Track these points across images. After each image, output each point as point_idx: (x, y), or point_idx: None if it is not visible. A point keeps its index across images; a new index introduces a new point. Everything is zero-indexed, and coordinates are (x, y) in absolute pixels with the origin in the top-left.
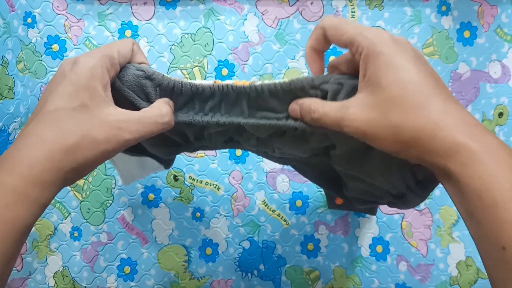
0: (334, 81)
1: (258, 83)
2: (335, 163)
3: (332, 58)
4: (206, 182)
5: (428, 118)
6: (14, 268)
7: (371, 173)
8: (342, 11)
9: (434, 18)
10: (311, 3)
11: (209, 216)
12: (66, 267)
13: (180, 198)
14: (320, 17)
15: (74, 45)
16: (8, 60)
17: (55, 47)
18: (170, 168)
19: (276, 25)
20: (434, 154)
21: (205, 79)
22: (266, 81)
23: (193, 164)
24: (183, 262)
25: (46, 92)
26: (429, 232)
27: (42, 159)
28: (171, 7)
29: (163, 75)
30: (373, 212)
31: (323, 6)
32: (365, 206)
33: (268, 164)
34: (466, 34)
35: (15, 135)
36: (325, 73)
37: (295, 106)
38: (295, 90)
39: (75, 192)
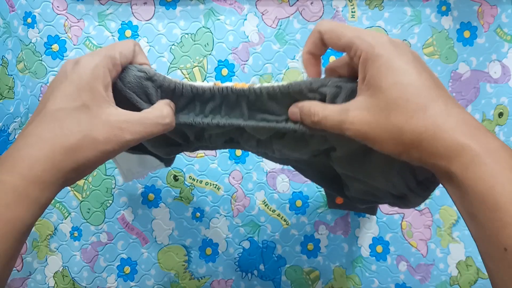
0: (332, 84)
1: (257, 85)
2: (336, 164)
3: (332, 58)
4: (206, 182)
5: (429, 120)
6: (14, 268)
7: (372, 174)
8: (342, 11)
9: (434, 18)
10: (311, 3)
11: (209, 216)
12: (66, 267)
13: (180, 198)
14: (320, 17)
15: (74, 45)
16: (8, 60)
17: (55, 47)
18: (170, 168)
19: (276, 25)
20: (436, 156)
21: (205, 79)
22: (265, 84)
23: (193, 164)
24: (183, 262)
25: (48, 92)
26: (429, 232)
27: (43, 159)
28: (171, 7)
29: (164, 76)
30: (373, 211)
31: (323, 6)
32: (366, 205)
33: (268, 164)
34: (466, 34)
35: (15, 135)
36: (322, 76)
37: (294, 109)
38: (293, 93)
39: (75, 192)
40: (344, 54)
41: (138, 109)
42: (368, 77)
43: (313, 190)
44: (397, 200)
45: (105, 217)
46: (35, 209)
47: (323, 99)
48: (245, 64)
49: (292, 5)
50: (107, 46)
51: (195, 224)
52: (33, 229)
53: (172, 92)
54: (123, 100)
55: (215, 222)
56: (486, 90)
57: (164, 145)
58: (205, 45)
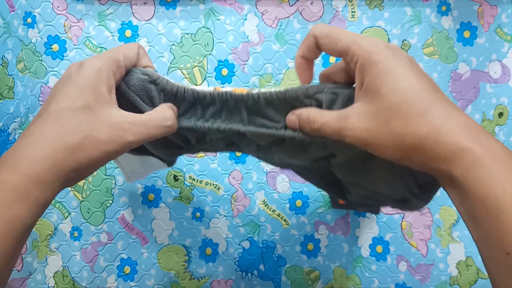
0: (329, 90)
1: (255, 91)
2: (336, 170)
3: (332, 59)
4: (206, 182)
5: (430, 124)
6: (14, 268)
7: (373, 180)
8: (342, 11)
9: (434, 18)
10: (311, 3)
11: (209, 216)
12: (66, 267)
13: (180, 198)
14: (320, 17)
15: (74, 45)
16: (8, 60)
17: (55, 47)
18: (170, 168)
19: (276, 25)
20: (437, 160)
21: (205, 79)
22: (263, 90)
23: (193, 164)
24: (183, 262)
25: (51, 94)
26: (429, 232)
27: (44, 158)
28: (171, 7)
29: (167, 80)
30: (376, 211)
31: (323, 6)
32: (367, 209)
33: (268, 164)
34: (466, 34)
35: (15, 135)
36: (315, 80)
37: (292, 117)
38: (290, 99)
39: (75, 192)
40: (338, 62)
41: (140, 112)
42: (366, 83)
43: (313, 190)
44: (399, 204)
45: (105, 217)
46: (36, 209)
47: (319, 105)
48: (245, 64)
49: (292, 5)
50: (112, 49)
51: (195, 224)
52: (33, 229)
53: (174, 96)
54: (126, 102)
55: (215, 222)
56: (486, 90)
57: (166, 148)
58: (205, 45)
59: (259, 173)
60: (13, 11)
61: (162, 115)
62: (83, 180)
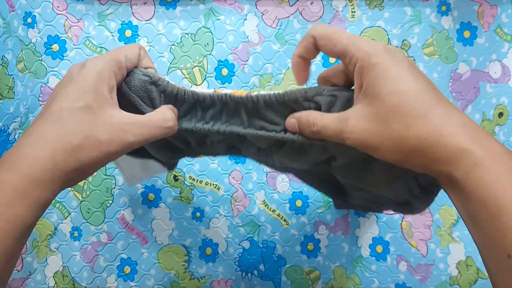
0: (327, 93)
1: (254, 93)
2: (337, 173)
3: (332, 59)
4: (206, 182)
5: (431, 126)
6: (14, 268)
7: (374, 182)
8: (342, 11)
9: (434, 18)
10: (311, 3)
11: (209, 216)
12: (66, 267)
13: (180, 198)
14: (320, 17)
15: (74, 45)
16: (8, 60)
17: (55, 47)
18: None
19: (276, 25)
20: (439, 161)
21: (205, 79)
22: (262, 92)
23: (193, 164)
24: (183, 262)
25: (53, 95)
26: (429, 232)
27: (44, 158)
28: (171, 7)
29: (168, 81)
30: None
31: (323, 6)
32: (369, 212)
33: None
34: (466, 34)
35: (15, 135)
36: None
37: (292, 120)
38: (288, 102)
39: (75, 192)
40: (336, 64)
41: (141, 113)
42: (365, 86)
43: (313, 190)
44: (401, 207)
45: (105, 217)
46: (36, 209)
47: (318, 108)
48: (245, 64)
49: (292, 5)
50: (113, 50)
51: (195, 224)
52: (33, 229)
53: (174, 97)
54: (127, 103)
55: (215, 222)
56: (486, 90)
57: (166, 150)
58: (205, 45)
59: (259, 173)
60: (13, 11)
61: (163, 116)
62: (83, 180)
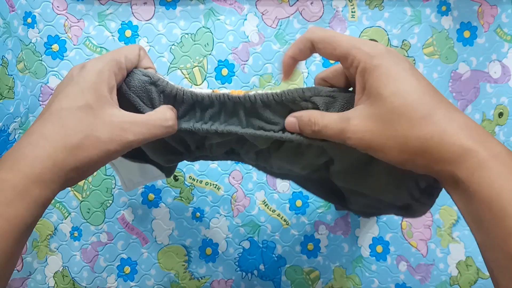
0: (325, 93)
1: (252, 93)
2: (336, 178)
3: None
4: (206, 182)
5: (434, 127)
6: (14, 268)
7: (373, 186)
8: (342, 11)
9: (434, 18)
10: (311, 3)
11: (209, 216)
12: (66, 267)
13: (180, 198)
14: (320, 17)
15: (74, 45)
16: (8, 60)
17: (55, 47)
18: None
19: (276, 25)
20: (442, 162)
21: (205, 79)
22: (260, 91)
23: (193, 164)
24: (183, 262)
25: (54, 95)
26: (429, 232)
27: (44, 157)
28: (171, 7)
29: (168, 82)
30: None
31: (323, 6)
32: (370, 216)
33: None
34: (466, 34)
35: (15, 135)
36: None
37: (292, 120)
38: (286, 102)
39: (75, 192)
40: (335, 65)
41: (141, 113)
42: (368, 87)
43: None
44: (401, 211)
45: (105, 217)
46: (36, 208)
47: (316, 108)
48: (245, 64)
49: (292, 5)
50: (113, 50)
51: (195, 224)
52: (33, 229)
53: (173, 98)
54: (127, 103)
55: (215, 222)
56: (486, 90)
57: (165, 153)
58: (205, 45)
59: (259, 173)
60: (13, 11)
61: (163, 115)
62: (83, 180)
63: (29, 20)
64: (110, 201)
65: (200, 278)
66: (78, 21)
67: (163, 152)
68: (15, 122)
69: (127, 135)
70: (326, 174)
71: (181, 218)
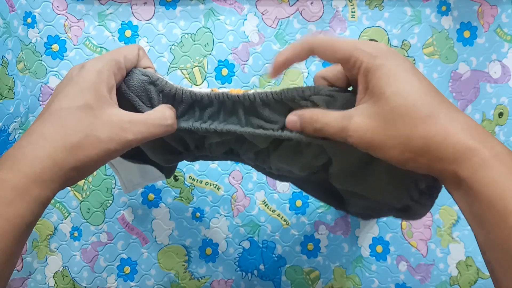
0: (325, 93)
1: (251, 91)
2: (334, 180)
3: None
4: (206, 182)
5: (437, 126)
6: (14, 268)
7: (372, 187)
8: (342, 11)
9: (434, 18)
10: (311, 3)
11: (209, 216)
12: (66, 267)
13: (180, 198)
14: (320, 17)
15: (74, 45)
16: (8, 60)
17: (55, 47)
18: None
19: (276, 25)
20: (444, 161)
21: (205, 79)
22: (259, 90)
23: (193, 164)
24: (183, 262)
25: (53, 95)
26: (429, 232)
27: (44, 156)
28: (171, 7)
29: (167, 81)
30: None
31: (323, 6)
32: (370, 219)
33: None
34: (466, 34)
35: (15, 135)
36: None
37: (293, 118)
38: (285, 100)
39: (75, 192)
40: (334, 65)
41: (140, 112)
42: (371, 87)
43: None
44: (401, 213)
45: (105, 217)
46: (36, 207)
47: (315, 107)
48: (245, 64)
49: (292, 5)
50: (112, 50)
51: (195, 224)
52: (33, 229)
53: (173, 97)
54: (126, 103)
55: (215, 222)
56: (486, 90)
57: (164, 152)
58: (205, 45)
59: (259, 173)
60: (13, 11)
61: (162, 115)
62: (83, 180)
63: (29, 20)
64: (110, 201)
65: (200, 278)
66: (78, 21)
67: (162, 152)
68: (15, 122)
69: (126, 134)
70: (325, 176)
71: (181, 218)
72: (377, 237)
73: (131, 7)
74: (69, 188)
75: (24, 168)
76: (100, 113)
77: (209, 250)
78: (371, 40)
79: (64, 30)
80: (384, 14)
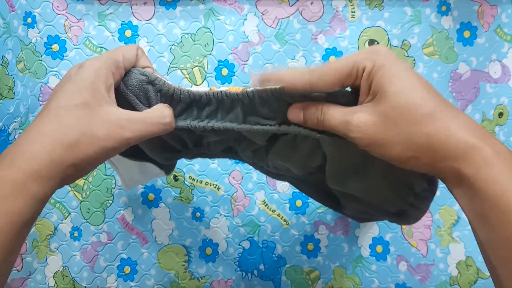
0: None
1: (250, 89)
2: (329, 181)
3: (332, 58)
4: (206, 182)
5: (439, 124)
6: (14, 268)
7: (367, 191)
8: (342, 11)
9: (434, 18)
10: (311, 3)
11: (209, 216)
12: (66, 267)
13: (180, 198)
14: (320, 17)
15: (74, 45)
16: (8, 60)
17: (55, 47)
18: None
19: (276, 25)
20: (447, 158)
21: (205, 79)
22: (258, 87)
23: (193, 164)
24: (183, 262)
25: (52, 94)
26: (429, 232)
27: (42, 153)
28: (171, 7)
29: (165, 81)
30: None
31: (323, 6)
32: (364, 222)
33: None
34: (466, 34)
35: (15, 135)
36: None
37: (296, 110)
38: (285, 98)
39: (75, 192)
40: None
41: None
42: (373, 86)
43: None
44: (396, 218)
45: (105, 217)
46: (34, 204)
47: None
48: (245, 64)
49: (292, 5)
50: (111, 50)
51: (195, 224)
52: (33, 229)
53: (171, 97)
54: (124, 103)
55: (215, 222)
56: (486, 90)
57: (163, 151)
58: (205, 45)
59: (259, 173)
60: (13, 11)
61: (160, 113)
62: (83, 180)
63: (29, 20)
64: (110, 201)
65: (200, 278)
66: (78, 21)
67: (161, 150)
68: (15, 122)
69: (124, 132)
70: (321, 177)
71: (181, 218)
72: (377, 237)
73: (131, 7)
74: (69, 188)
75: (22, 164)
76: (98, 111)
77: (209, 250)
78: (371, 40)
79: (64, 30)
80: (384, 14)
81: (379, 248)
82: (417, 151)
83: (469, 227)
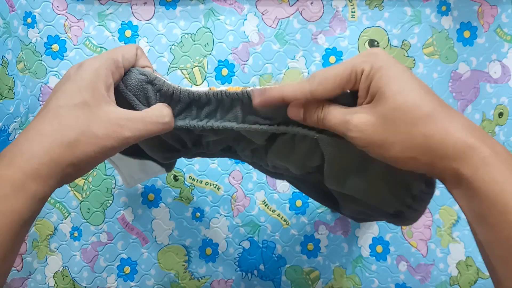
0: None
1: (250, 88)
2: (327, 181)
3: (332, 58)
4: (206, 182)
5: (438, 124)
6: (14, 268)
7: (365, 192)
8: (342, 11)
9: (434, 18)
10: (311, 3)
11: (209, 216)
12: (66, 267)
13: (180, 198)
14: (320, 17)
15: (74, 45)
16: (8, 60)
17: (55, 47)
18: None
19: (276, 25)
20: (445, 159)
21: (205, 79)
22: (258, 87)
23: (193, 164)
24: (183, 262)
25: (51, 94)
26: (429, 232)
27: (41, 152)
28: (171, 7)
29: (164, 81)
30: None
31: (323, 6)
32: (362, 222)
33: None
34: (466, 34)
35: (15, 135)
36: None
37: (296, 108)
38: None
39: (75, 192)
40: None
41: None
42: (372, 88)
43: None
44: (393, 219)
45: (105, 217)
46: (33, 203)
47: None
48: (245, 64)
49: (292, 5)
50: (110, 50)
51: (195, 224)
52: (33, 229)
53: (170, 97)
54: (124, 102)
55: (215, 222)
56: (486, 90)
57: (162, 150)
58: (205, 45)
59: (259, 173)
60: (13, 11)
61: (160, 112)
62: (83, 180)
63: (29, 20)
64: (110, 201)
65: (200, 278)
66: (78, 21)
67: (160, 150)
68: (15, 122)
69: (123, 132)
70: (320, 177)
71: (181, 218)
72: (377, 237)
73: (131, 7)
74: (69, 188)
75: (21, 164)
76: (97, 110)
77: (209, 250)
78: (371, 40)
79: (64, 30)
80: (384, 14)
81: (379, 248)
82: (415, 151)
83: (469, 227)
